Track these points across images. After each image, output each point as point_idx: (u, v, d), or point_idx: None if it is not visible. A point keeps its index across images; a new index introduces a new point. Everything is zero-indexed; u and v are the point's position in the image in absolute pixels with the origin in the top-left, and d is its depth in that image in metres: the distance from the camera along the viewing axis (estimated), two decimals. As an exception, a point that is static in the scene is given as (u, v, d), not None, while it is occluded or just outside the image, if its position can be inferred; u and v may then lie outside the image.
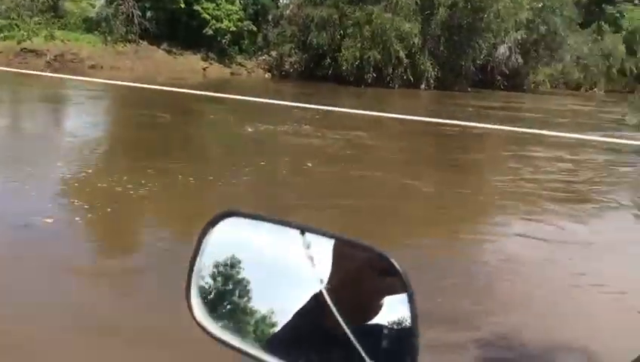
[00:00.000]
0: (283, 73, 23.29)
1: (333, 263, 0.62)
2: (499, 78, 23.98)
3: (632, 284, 4.38)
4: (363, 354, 0.58)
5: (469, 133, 11.46)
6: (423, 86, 22.53)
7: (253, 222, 0.71)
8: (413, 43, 21.83)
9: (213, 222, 0.70)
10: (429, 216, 6.25)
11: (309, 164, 7.85)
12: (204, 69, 23.08)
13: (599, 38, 26.81)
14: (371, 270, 0.61)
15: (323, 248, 0.63)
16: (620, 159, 10.10)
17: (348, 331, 0.58)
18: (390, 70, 22.22)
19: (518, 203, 7.14)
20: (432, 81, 22.52)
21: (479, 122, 13.54)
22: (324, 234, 0.64)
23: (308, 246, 0.64)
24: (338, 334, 0.58)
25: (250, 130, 9.99)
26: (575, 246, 5.61)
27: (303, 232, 0.65)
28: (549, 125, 13.91)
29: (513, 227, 6.20)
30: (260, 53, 23.80)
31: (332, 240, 0.63)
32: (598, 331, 3.65)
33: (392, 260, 0.59)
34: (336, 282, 0.61)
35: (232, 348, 0.66)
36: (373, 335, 0.59)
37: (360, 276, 0.62)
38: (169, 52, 23.03)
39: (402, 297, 0.59)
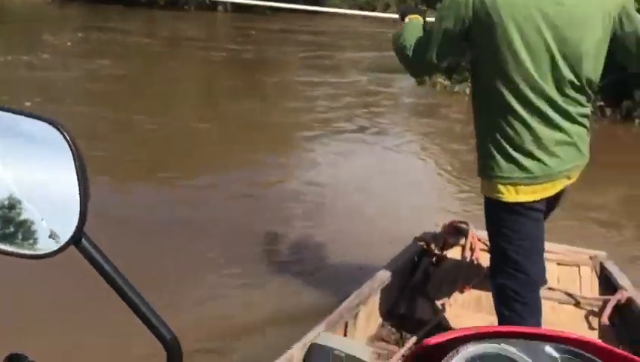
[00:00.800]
0: (65, -5, 20.66)
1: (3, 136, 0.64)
2: (298, -1, 23.68)
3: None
4: (35, 213, 0.61)
5: (237, 59, 10.96)
6: (220, 8, 21.48)
7: None
8: (206, -39, 20.55)
9: None
10: (157, 159, 5.65)
11: (28, 103, 6.79)
12: (-37, -10, 19.74)
13: (391, -42, 27.52)
14: (42, 137, 0.63)
15: None
16: (381, 80, 10.30)
17: (20, 196, 0.61)
18: (184, -9, 20.81)
19: (270, 134, 6.85)
20: (229, 5, 21.51)
21: (278, 47, 13.12)
22: None
23: None
24: (17, 200, 0.62)
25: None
26: (326, 177, 5.54)
27: None
28: (337, 47, 13.95)
29: (263, 162, 5.90)
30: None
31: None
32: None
33: (59, 127, 0.61)
34: (6, 153, 0.63)
35: None
36: (46, 196, 0.62)
37: (31, 144, 0.64)
38: None
39: (70, 162, 0.60)
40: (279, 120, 7.41)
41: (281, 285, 3.53)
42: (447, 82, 9.32)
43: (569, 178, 2.02)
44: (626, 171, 6.30)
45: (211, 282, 3.48)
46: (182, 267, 3.56)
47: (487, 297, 2.50)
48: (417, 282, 2.81)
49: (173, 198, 4.70)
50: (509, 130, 1.94)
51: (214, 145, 6.19)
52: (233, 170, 5.47)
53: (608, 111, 7.79)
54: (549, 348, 0.72)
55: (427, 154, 6.51)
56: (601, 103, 7.50)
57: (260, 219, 4.38)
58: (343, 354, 0.62)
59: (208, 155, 5.91)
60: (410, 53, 2.12)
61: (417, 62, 2.13)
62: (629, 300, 2.54)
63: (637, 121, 7.71)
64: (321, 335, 0.57)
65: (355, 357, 0.61)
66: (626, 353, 0.76)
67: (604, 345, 0.76)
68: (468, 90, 8.67)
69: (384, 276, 2.62)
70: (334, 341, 0.56)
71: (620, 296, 2.56)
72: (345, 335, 2.24)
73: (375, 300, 2.55)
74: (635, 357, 0.75)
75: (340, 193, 5.07)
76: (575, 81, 1.91)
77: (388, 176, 5.62)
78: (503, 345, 0.71)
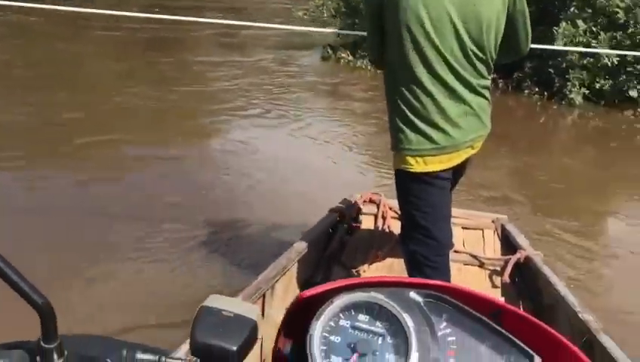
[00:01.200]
0: None
1: None
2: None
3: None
4: None
5: (136, 39, 10.46)
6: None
7: None
8: None
9: None
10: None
11: None
12: None
13: None
14: None
15: None
16: (287, 57, 10.24)
17: None
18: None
19: (162, 122, 6.55)
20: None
21: (184, 25, 12.53)
22: None
23: None
24: None
25: None
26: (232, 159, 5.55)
27: None
28: (248, 17, 13.55)
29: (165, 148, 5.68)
30: None
31: None
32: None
33: None
34: None
35: None
36: None
37: None
38: None
39: None
40: (175, 105, 6.98)
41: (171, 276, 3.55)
42: (350, 57, 9.47)
43: (473, 148, 2.14)
44: (517, 141, 6.70)
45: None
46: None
47: (399, 262, 2.62)
48: (333, 251, 2.91)
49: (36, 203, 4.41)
50: (415, 102, 2.03)
51: (90, 138, 5.66)
52: (109, 167, 5.14)
53: (500, 82, 8.25)
54: (412, 294, 0.78)
55: (332, 135, 6.43)
56: (494, 75, 7.91)
57: (139, 212, 4.27)
58: (232, 314, 0.64)
59: (80, 150, 5.44)
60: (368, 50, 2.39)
61: (374, 58, 2.36)
62: (527, 259, 2.74)
63: (526, 91, 8.23)
64: (210, 297, 0.58)
65: (244, 316, 0.63)
66: (483, 293, 0.83)
67: (463, 288, 0.81)
68: (370, 66, 8.84)
69: (300, 247, 2.66)
70: (223, 302, 0.57)
71: (520, 256, 2.76)
72: (263, 306, 2.27)
73: (292, 271, 2.60)
74: (486, 295, 0.82)
75: (241, 183, 4.97)
76: (478, 52, 2.02)
77: (292, 160, 5.55)
78: (372, 293, 0.75)
